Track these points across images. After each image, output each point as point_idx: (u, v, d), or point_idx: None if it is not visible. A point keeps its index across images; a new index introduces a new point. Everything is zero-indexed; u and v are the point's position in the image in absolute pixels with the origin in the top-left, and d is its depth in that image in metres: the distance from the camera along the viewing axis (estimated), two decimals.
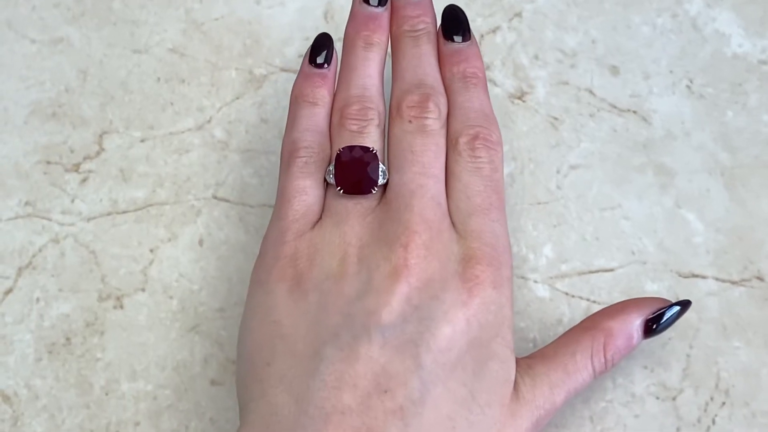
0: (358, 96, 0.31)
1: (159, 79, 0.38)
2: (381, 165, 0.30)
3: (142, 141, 0.36)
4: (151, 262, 0.34)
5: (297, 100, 0.32)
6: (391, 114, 0.31)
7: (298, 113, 0.32)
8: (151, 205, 0.35)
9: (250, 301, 0.29)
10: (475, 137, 0.30)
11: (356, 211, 0.29)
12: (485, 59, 0.39)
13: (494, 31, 0.40)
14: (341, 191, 0.29)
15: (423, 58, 0.32)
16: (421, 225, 0.28)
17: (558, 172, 0.36)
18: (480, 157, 0.30)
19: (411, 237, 0.28)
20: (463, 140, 0.30)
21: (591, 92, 0.38)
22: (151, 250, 0.34)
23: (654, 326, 0.30)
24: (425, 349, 0.26)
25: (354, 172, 0.29)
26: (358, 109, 0.31)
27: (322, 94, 0.32)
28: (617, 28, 0.39)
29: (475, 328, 0.27)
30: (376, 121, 0.31)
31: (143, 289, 0.34)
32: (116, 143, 0.36)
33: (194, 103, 0.37)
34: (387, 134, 0.31)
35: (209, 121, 0.37)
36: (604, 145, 0.37)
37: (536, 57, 0.39)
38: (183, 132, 0.37)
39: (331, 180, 0.30)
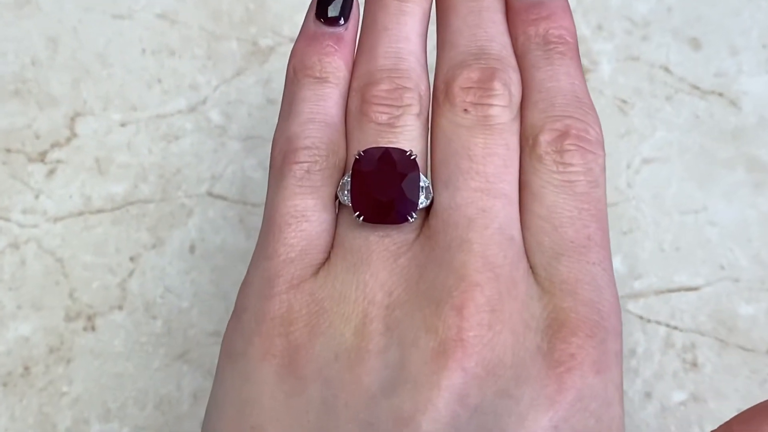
0: (389, 69, 0.23)
1: (144, 50, 0.35)
2: (423, 177, 0.22)
3: (123, 125, 0.34)
4: (130, 274, 0.32)
5: (297, 75, 0.24)
6: (437, 99, 0.23)
7: (298, 95, 0.23)
8: (132, 203, 0.33)
9: (219, 387, 0.22)
10: (565, 134, 0.22)
11: (383, 248, 0.21)
12: None
13: None
14: (361, 218, 0.21)
15: (484, 15, 0.24)
16: (484, 273, 0.20)
17: (628, 167, 0.33)
18: (572, 165, 0.22)
19: (469, 293, 0.20)
20: (545, 139, 0.22)
21: (667, 70, 0.35)
22: (132, 259, 0.32)
23: None
24: None
25: (381, 189, 0.22)
26: (389, 89, 0.23)
27: (335, 65, 0.24)
28: None
29: None
30: (415, 109, 0.22)
31: (120, 307, 0.31)
32: (91, 127, 0.34)
33: (186, 80, 0.35)
34: (431, 129, 0.24)
35: (204, 102, 0.35)
36: (683, 134, 0.34)
37: (600, 27, 0.36)
38: (172, 114, 0.34)
39: (346, 200, 0.22)
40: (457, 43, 0.23)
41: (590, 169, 0.22)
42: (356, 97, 0.23)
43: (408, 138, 0.22)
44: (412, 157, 0.22)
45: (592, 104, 0.23)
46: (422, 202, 0.22)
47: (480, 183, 0.21)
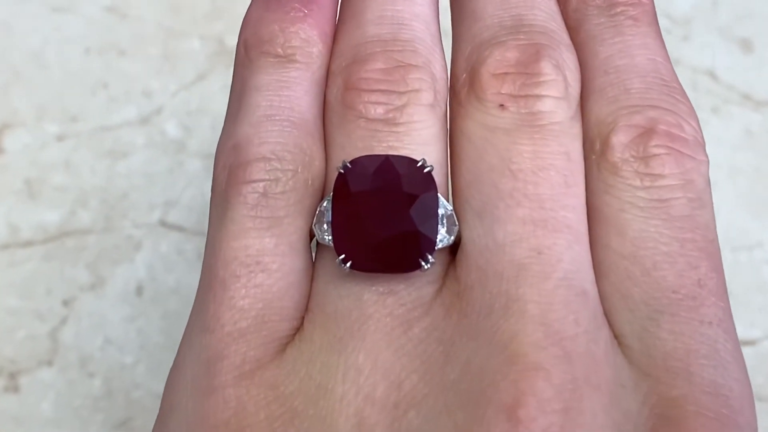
0: (384, 40, 0.17)
1: (88, 49, 0.34)
2: (443, 201, 0.16)
3: (60, 139, 0.33)
4: (63, 321, 0.30)
5: (249, 54, 0.18)
6: (457, 93, 0.17)
7: (251, 81, 0.18)
8: (68, 233, 0.31)
9: None
10: (649, 132, 0.16)
11: (386, 313, 0.16)
12: None
13: None
14: (348, 264, 0.16)
15: None
16: (547, 349, 0.15)
17: None
18: (663, 177, 0.16)
19: (526, 382, 0.14)
20: (620, 140, 0.17)
21: (713, 76, 0.34)
22: (65, 303, 0.30)
23: None
24: None
25: (379, 218, 0.16)
26: (386, 68, 0.17)
27: (304, 37, 0.18)
28: None
29: None
30: (427, 96, 0.17)
31: (50, 363, 0.29)
32: (22, 141, 0.33)
33: (138, 85, 0.34)
34: (450, 136, 0.18)
35: (159, 112, 0.33)
36: (734, 152, 0.32)
37: None
38: (120, 126, 0.33)
39: (326, 237, 0.16)
40: (483, 12, 0.18)
41: (690, 181, 0.16)
42: (338, 81, 0.17)
43: (418, 140, 0.17)
44: (426, 170, 0.16)
45: (683, 90, 0.17)
46: (443, 238, 0.16)
47: (531, 210, 0.16)
